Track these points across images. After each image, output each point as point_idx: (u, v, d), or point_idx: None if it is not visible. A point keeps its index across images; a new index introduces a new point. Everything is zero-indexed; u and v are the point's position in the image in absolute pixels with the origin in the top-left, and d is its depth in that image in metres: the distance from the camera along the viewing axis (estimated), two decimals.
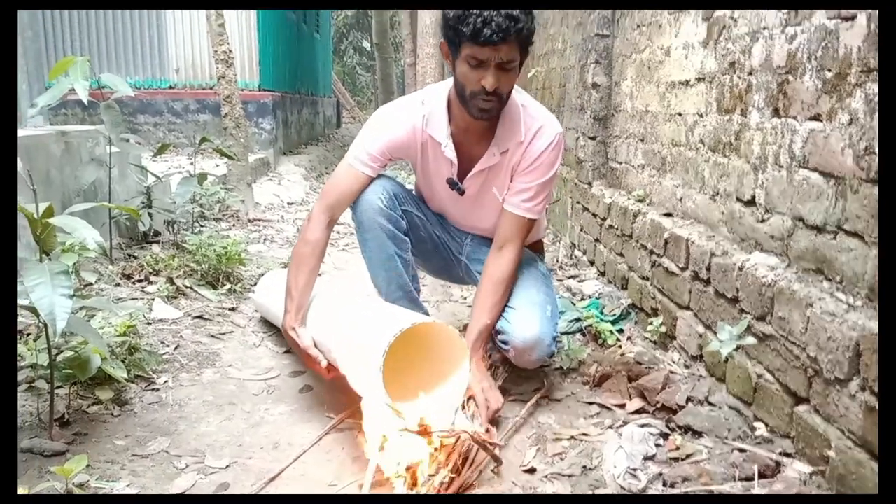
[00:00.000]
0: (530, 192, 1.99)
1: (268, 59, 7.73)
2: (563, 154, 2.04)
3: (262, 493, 1.54)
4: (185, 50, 7.44)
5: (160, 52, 7.43)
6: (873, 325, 1.31)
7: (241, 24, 7.33)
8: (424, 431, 1.51)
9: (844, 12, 1.49)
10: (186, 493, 1.53)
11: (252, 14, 7.38)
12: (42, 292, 1.43)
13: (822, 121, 1.58)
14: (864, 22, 1.42)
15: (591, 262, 3.31)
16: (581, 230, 3.50)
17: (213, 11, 4.91)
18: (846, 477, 1.36)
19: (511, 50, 1.77)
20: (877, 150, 1.37)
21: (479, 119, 1.88)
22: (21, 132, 2.72)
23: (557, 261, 3.64)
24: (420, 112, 2.00)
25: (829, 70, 1.54)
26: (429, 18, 7.69)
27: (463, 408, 1.81)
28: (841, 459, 1.38)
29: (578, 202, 3.55)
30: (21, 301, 1.50)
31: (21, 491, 1.41)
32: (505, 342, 1.97)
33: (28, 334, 2.05)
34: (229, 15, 6.18)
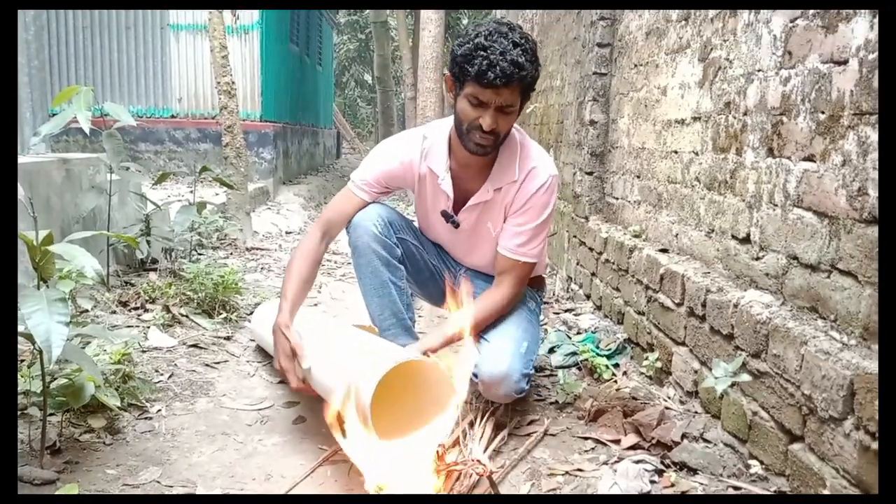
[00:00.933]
0: (524, 236, 2.02)
1: (270, 91, 7.82)
2: (556, 196, 2.07)
3: None
4: (188, 80, 7.53)
5: (163, 82, 7.52)
6: (867, 365, 1.32)
7: (245, 56, 7.44)
8: (440, 458, 1.52)
9: (837, 57, 1.52)
10: None
11: (255, 46, 7.48)
12: (39, 319, 1.44)
13: (815, 161, 1.60)
14: (855, 66, 1.45)
15: (588, 296, 3.32)
16: (578, 264, 3.52)
17: (216, 43, 4.98)
18: None
19: (512, 95, 1.82)
20: (870, 190, 1.39)
21: (475, 154, 1.92)
22: (23, 159, 2.75)
23: (554, 294, 3.65)
24: (420, 146, 2.05)
25: (823, 112, 1.57)
26: (430, 54, 7.81)
27: (456, 444, 1.80)
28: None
29: (575, 236, 3.57)
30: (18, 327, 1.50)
31: None
32: (475, 374, 1.97)
33: (22, 360, 2.05)
34: (233, 47, 6.28)
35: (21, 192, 1.60)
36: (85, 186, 2.96)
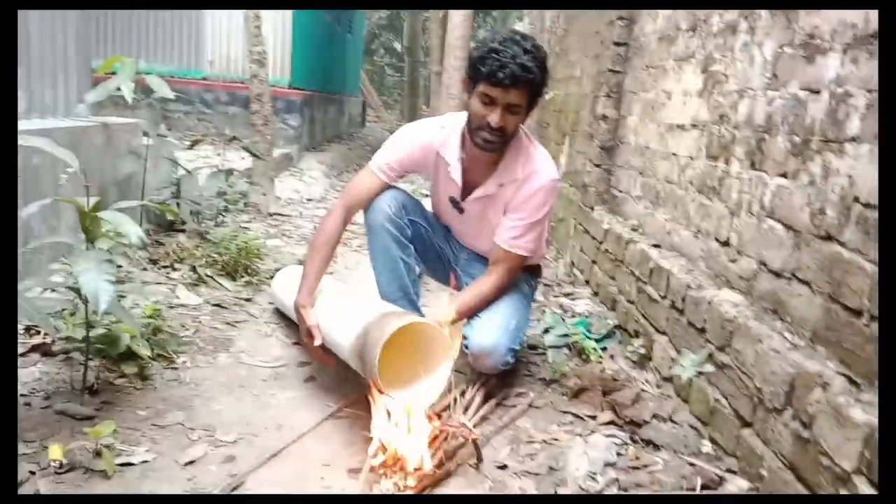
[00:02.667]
0: (518, 230, 2.21)
1: (299, 59, 7.97)
2: (554, 198, 2.25)
3: (265, 467, 1.74)
4: (221, 43, 7.70)
5: (197, 44, 7.69)
6: (809, 365, 1.50)
7: (277, 25, 7.58)
8: (432, 418, 1.76)
9: (813, 86, 1.68)
10: (197, 461, 1.74)
11: (288, 13, 7.62)
12: (89, 276, 1.65)
13: (788, 178, 1.77)
14: (826, 97, 1.61)
15: (587, 282, 3.50)
16: (581, 251, 3.69)
17: (251, 12, 5.15)
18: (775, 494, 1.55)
19: (520, 95, 1.99)
20: (828, 210, 1.56)
21: (483, 150, 2.10)
22: (68, 123, 2.96)
23: (556, 277, 3.83)
24: (439, 135, 2.24)
25: (797, 135, 1.74)
26: (458, 32, 7.90)
27: (449, 408, 2.01)
28: (772, 478, 1.56)
29: (580, 224, 3.74)
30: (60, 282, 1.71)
31: (54, 448, 1.62)
32: (467, 346, 2.17)
33: (64, 310, 2.27)
34: (266, 15, 6.41)
35: (76, 163, 1.80)
36: (123, 151, 3.17)
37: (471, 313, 2.20)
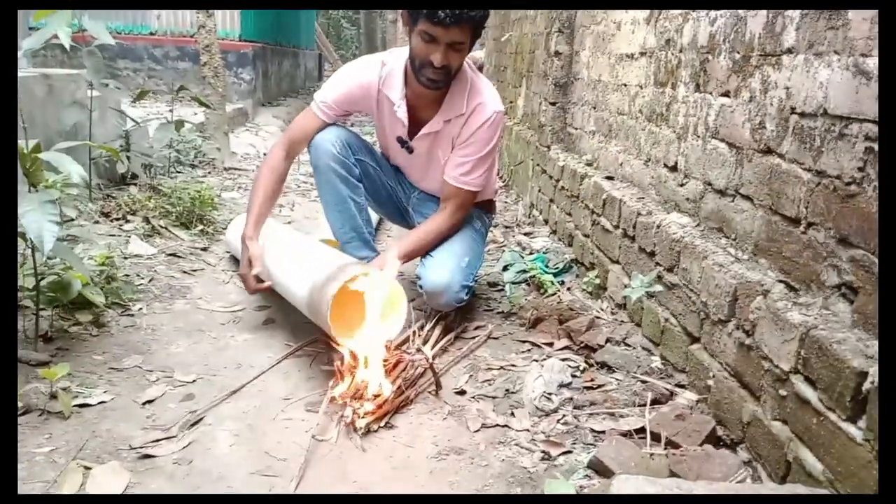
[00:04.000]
0: (467, 166, 2.20)
1: (249, 11, 7.76)
2: (501, 131, 2.24)
3: (224, 403, 1.75)
4: None
5: None
6: (750, 275, 1.54)
7: None
8: (391, 349, 1.82)
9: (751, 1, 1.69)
10: (155, 400, 1.74)
11: None
12: (32, 218, 1.62)
13: (730, 97, 1.79)
14: (765, 13, 1.62)
15: (546, 221, 3.53)
16: (539, 191, 3.71)
17: None
18: (721, 402, 1.61)
19: (462, 33, 1.97)
20: (766, 124, 1.59)
21: (427, 88, 2.08)
22: None
23: (516, 219, 3.86)
24: (379, 72, 2.20)
25: (738, 52, 1.75)
26: None
27: (407, 341, 2.04)
28: (718, 388, 1.62)
29: (538, 165, 3.75)
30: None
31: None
32: (420, 286, 2.19)
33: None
34: None
35: None
36: (66, 102, 3.08)
37: (414, 255, 2.20)
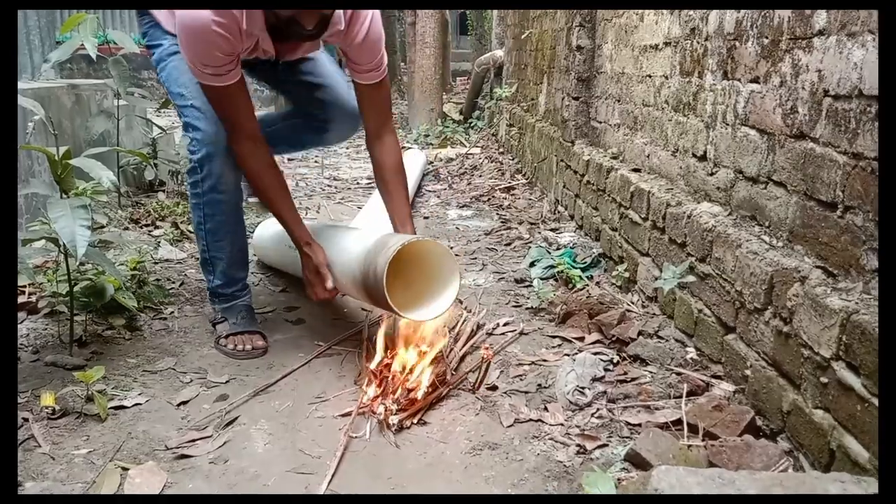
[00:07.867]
0: (372, 65, 2.02)
1: None
2: (380, 24, 2.02)
3: (257, 403, 1.76)
4: None
5: None
6: (787, 262, 1.51)
7: None
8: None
9: None
10: (190, 401, 1.76)
11: None
12: (64, 223, 1.64)
13: (759, 83, 1.76)
14: None
15: (572, 217, 3.50)
16: (564, 187, 3.69)
17: None
18: (759, 392, 1.58)
19: None
20: (799, 109, 1.56)
21: (303, 39, 1.90)
22: (35, 84, 2.91)
23: (542, 216, 3.83)
24: (235, 16, 1.80)
25: (767, 37, 1.72)
26: None
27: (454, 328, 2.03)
28: (755, 377, 1.59)
29: (562, 160, 3.73)
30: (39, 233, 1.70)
31: (46, 395, 1.63)
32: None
33: (48, 268, 2.26)
34: None
35: (41, 111, 1.77)
36: (94, 111, 3.12)
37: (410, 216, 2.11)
